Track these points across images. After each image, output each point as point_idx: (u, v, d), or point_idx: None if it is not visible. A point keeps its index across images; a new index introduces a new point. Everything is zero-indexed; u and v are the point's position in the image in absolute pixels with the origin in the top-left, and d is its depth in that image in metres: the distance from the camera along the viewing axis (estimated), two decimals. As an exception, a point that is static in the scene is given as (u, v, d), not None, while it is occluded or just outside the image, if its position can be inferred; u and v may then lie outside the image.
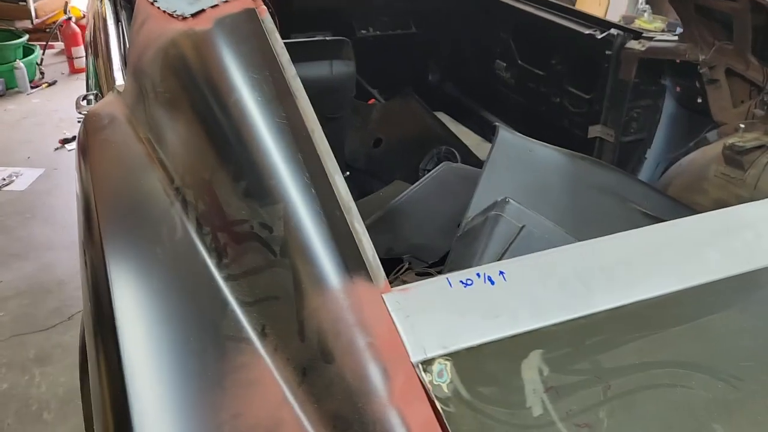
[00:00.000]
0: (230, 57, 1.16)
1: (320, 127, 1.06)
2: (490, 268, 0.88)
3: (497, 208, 1.52)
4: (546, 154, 1.81)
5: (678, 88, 2.40)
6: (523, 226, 1.48)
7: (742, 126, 1.91)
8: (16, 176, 4.18)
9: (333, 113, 2.28)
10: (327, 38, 2.29)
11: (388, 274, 1.82)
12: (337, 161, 2.51)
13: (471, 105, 3.50)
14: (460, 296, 0.84)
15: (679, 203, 1.93)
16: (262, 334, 0.88)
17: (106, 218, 1.16)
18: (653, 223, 1.89)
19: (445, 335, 0.80)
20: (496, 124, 1.84)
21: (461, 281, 0.86)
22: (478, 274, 0.87)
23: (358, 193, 2.74)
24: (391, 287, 0.87)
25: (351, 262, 0.87)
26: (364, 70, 3.45)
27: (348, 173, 2.75)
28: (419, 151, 2.69)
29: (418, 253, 1.88)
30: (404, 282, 1.72)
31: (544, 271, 0.89)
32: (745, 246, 0.96)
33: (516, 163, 1.78)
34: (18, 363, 2.74)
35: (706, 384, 0.79)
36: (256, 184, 1.00)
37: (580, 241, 1.57)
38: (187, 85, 1.22)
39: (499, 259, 1.44)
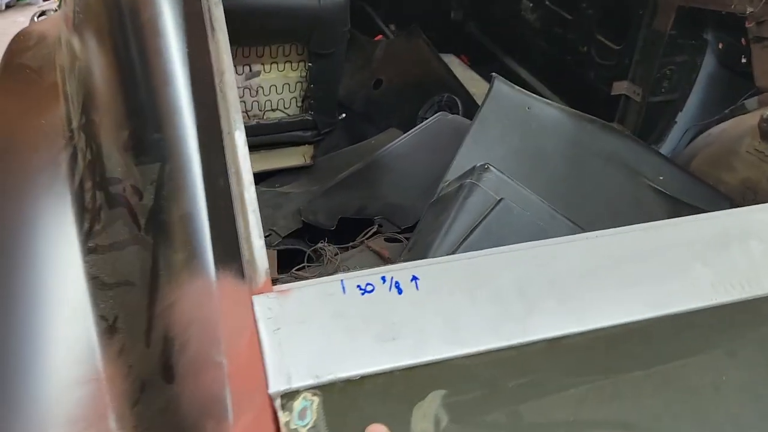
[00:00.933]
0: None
1: (233, 72, 0.85)
2: (401, 271, 0.67)
3: (474, 175, 1.30)
4: (547, 112, 1.56)
5: (720, 45, 2.09)
6: (500, 200, 1.26)
7: (786, 96, 1.62)
8: None
9: (322, 49, 2.03)
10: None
11: (357, 236, 1.66)
12: (329, 103, 2.29)
13: (493, 48, 3.21)
14: (354, 306, 0.65)
15: (700, 181, 1.67)
16: (112, 329, 0.70)
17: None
18: (665, 202, 1.66)
19: (320, 359, 0.61)
20: (493, 74, 1.59)
21: (359, 286, 0.66)
22: (383, 278, 0.67)
23: (351, 138, 2.53)
24: (278, 285, 0.67)
25: (222, 249, 0.68)
26: (380, 3, 3.16)
27: (343, 115, 2.52)
28: (420, 96, 2.44)
29: (392, 215, 1.68)
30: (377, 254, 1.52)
31: (474, 279, 0.69)
32: (748, 263, 0.74)
33: (510, 121, 1.54)
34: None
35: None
36: (137, 135, 0.81)
37: (570, 220, 1.36)
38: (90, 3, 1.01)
39: (466, 237, 1.23)
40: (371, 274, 0.67)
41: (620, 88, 2.36)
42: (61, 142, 0.99)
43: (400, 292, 0.66)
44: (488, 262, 0.70)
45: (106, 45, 0.96)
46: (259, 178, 2.13)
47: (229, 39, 2.13)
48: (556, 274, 0.70)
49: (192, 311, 0.63)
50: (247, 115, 2.22)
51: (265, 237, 1.72)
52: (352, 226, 1.67)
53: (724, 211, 0.80)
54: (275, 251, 1.56)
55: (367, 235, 1.58)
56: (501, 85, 1.56)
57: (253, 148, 2.23)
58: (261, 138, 2.24)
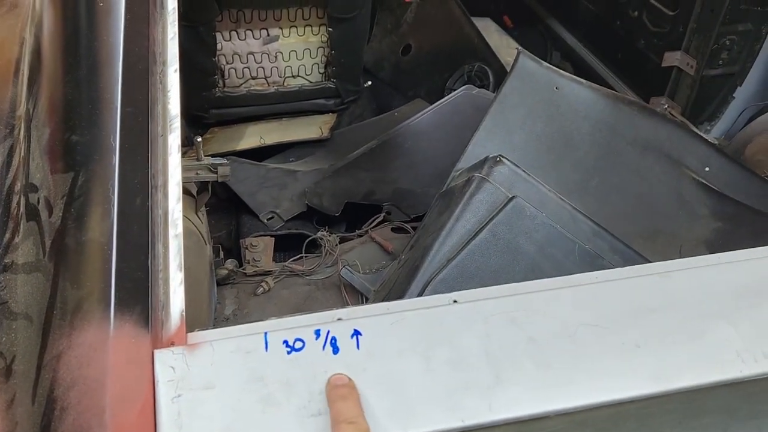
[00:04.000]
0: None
1: (177, 60, 0.72)
2: (341, 323, 0.54)
3: (485, 168, 1.15)
4: (578, 92, 1.38)
5: (791, 12, 1.83)
6: (512, 198, 1.11)
7: None
8: None
9: (342, 12, 1.89)
10: None
11: (364, 222, 1.53)
12: (353, 70, 2.15)
13: (536, 9, 2.97)
14: (276, 369, 0.53)
15: (753, 174, 1.47)
16: (8, 371, 0.60)
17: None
18: (710, 198, 1.46)
19: (225, 440, 0.49)
20: (518, 48, 1.41)
21: (286, 342, 0.53)
22: (317, 333, 0.54)
23: (377, 108, 2.38)
24: (191, 333, 0.56)
25: (127, 286, 0.56)
26: (417, -41, 2.95)
27: (369, 83, 2.37)
28: (450, 65, 2.26)
29: (402, 201, 1.55)
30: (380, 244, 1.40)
31: (431, 335, 0.55)
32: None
33: (536, 102, 1.36)
34: None
35: None
36: (56, 135, 0.69)
37: (594, 222, 1.19)
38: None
39: (470, 241, 1.09)
40: (304, 326, 0.55)
41: (672, 59, 2.12)
42: (2, 132, 0.88)
43: (335, 351, 0.53)
44: (452, 313, 0.56)
45: (53, 12, 0.85)
46: (274, 150, 2.02)
47: (244, 1, 1.99)
48: (536, 331, 0.56)
49: (78, 368, 0.52)
50: (267, 82, 2.12)
51: (268, 219, 1.62)
52: (359, 211, 1.55)
53: (760, 249, 0.63)
54: (272, 239, 1.45)
55: (373, 225, 1.45)
56: (526, 60, 1.38)
57: (272, 116, 2.12)
58: (281, 106, 2.14)
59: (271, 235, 1.47)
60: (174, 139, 0.66)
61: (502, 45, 2.38)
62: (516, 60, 1.38)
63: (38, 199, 0.67)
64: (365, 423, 0.51)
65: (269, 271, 1.34)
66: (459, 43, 2.28)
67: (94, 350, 0.53)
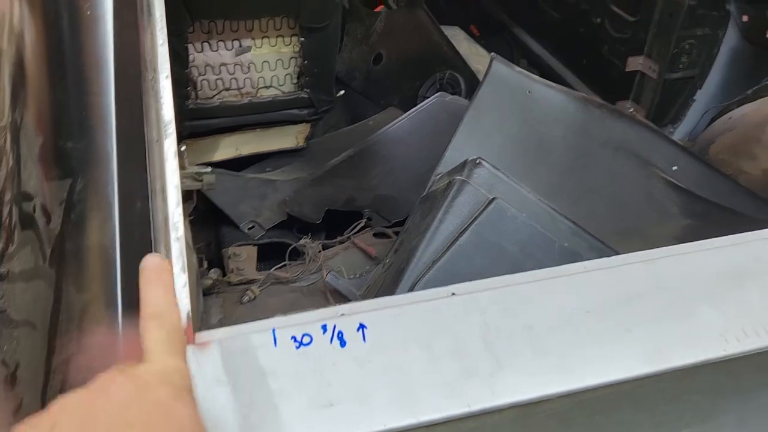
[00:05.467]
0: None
1: (168, 66, 0.73)
2: (346, 317, 0.56)
3: (465, 171, 1.18)
4: (550, 96, 1.42)
5: (745, 17, 1.92)
6: (492, 199, 1.14)
7: (817, 80, 1.46)
8: None
9: (314, 22, 1.90)
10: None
11: (345, 229, 1.55)
12: (326, 80, 2.16)
13: (502, 18, 3.04)
14: (286, 363, 0.54)
15: (718, 172, 1.53)
16: (12, 379, 0.60)
17: None
18: (679, 196, 1.52)
19: (240, 431, 0.50)
20: (492, 54, 1.45)
21: (294, 337, 0.55)
22: (323, 327, 0.55)
23: (350, 117, 2.40)
24: (199, 332, 0.57)
25: (133, 290, 0.57)
26: (382, -32, 2.99)
27: (342, 92, 2.39)
28: (422, 72, 2.30)
29: (382, 207, 1.57)
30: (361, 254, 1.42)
31: (432, 326, 0.57)
32: (766, 304, 0.61)
33: (510, 106, 1.40)
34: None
35: None
36: (50, 142, 0.70)
37: (572, 221, 1.23)
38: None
39: (454, 241, 1.12)
40: (310, 322, 0.56)
41: (635, 63, 2.20)
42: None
43: (343, 344, 0.55)
44: (450, 304, 0.58)
45: (35, 23, 0.85)
46: (250, 161, 2.02)
47: (217, 12, 1.99)
48: (532, 319, 0.59)
49: (89, 369, 0.52)
50: (240, 93, 2.11)
51: (249, 229, 1.63)
52: (340, 219, 1.57)
53: (737, 236, 0.67)
54: (255, 248, 1.45)
55: (355, 231, 1.47)
56: (500, 65, 1.42)
57: (246, 127, 2.11)
58: (254, 117, 2.14)
59: (254, 244, 1.47)
60: (170, 144, 0.66)
61: (472, 53, 2.42)
62: (490, 65, 1.42)
63: (34, 206, 0.68)
64: (173, 315, 0.52)
65: (254, 279, 1.35)
66: (429, 52, 2.32)
67: (105, 352, 0.53)
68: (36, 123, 0.74)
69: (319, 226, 1.60)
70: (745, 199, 1.52)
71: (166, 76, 0.72)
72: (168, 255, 0.60)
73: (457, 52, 2.27)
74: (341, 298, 1.28)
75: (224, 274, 1.38)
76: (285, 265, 1.40)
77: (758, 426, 0.58)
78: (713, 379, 0.58)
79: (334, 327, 0.55)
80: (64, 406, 0.45)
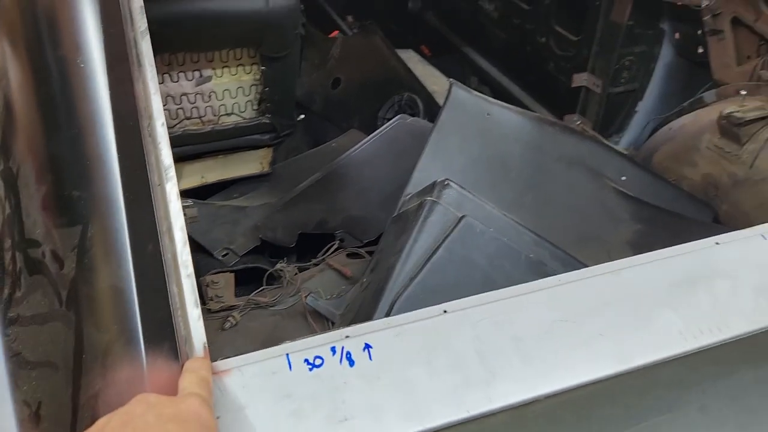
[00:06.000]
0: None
1: (162, 114, 0.78)
2: (353, 339, 0.62)
3: (434, 192, 1.25)
4: (507, 118, 1.52)
5: (677, 35, 2.07)
6: (462, 217, 1.21)
7: (743, 93, 1.60)
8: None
9: (274, 52, 1.95)
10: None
11: (318, 252, 1.60)
12: (286, 105, 2.21)
13: (452, 39, 3.15)
14: (301, 385, 0.59)
15: (662, 179, 1.65)
16: (36, 417, 0.64)
17: None
18: (629, 204, 1.63)
19: (266, 451, 0.56)
20: (450, 80, 1.53)
21: (306, 360, 0.60)
22: (332, 349, 0.61)
23: (311, 140, 2.46)
24: (217, 361, 0.61)
25: (153, 325, 0.61)
26: (336, -6, 3.07)
27: (302, 117, 2.44)
28: (380, 95, 2.37)
29: (354, 228, 1.62)
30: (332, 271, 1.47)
31: (430, 343, 0.64)
32: (714, 305, 0.70)
33: (470, 128, 1.49)
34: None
35: None
36: (55, 192, 0.73)
37: (535, 233, 1.32)
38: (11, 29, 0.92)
39: (429, 259, 1.18)
40: (320, 345, 0.62)
41: (580, 79, 2.33)
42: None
43: (351, 364, 0.61)
44: (444, 321, 0.65)
45: (22, 78, 0.88)
46: (217, 188, 2.05)
47: (176, 44, 2.02)
48: (518, 330, 0.66)
49: (118, 403, 0.57)
50: (201, 121, 2.14)
51: (223, 256, 1.66)
52: (313, 241, 1.62)
53: (688, 245, 0.76)
54: (232, 274, 1.49)
55: (329, 252, 1.52)
56: (459, 91, 1.50)
57: (209, 154, 2.13)
58: (217, 144, 2.17)
59: (230, 271, 1.51)
60: (171, 188, 0.71)
61: (426, 74, 2.52)
62: (449, 91, 1.50)
63: (42, 253, 0.71)
64: (205, 370, 0.58)
65: (234, 305, 1.38)
66: (386, 75, 2.40)
67: (131, 386, 0.58)
68: (35, 174, 0.77)
69: (292, 250, 1.65)
70: (687, 203, 1.64)
71: (162, 124, 0.77)
72: (180, 291, 0.65)
73: (413, 75, 2.35)
74: (321, 318, 1.33)
75: (203, 303, 1.41)
76: (263, 290, 1.44)
77: (717, 412, 0.66)
78: (676, 373, 0.67)
79: (342, 348, 0.61)
80: (108, 419, 0.51)
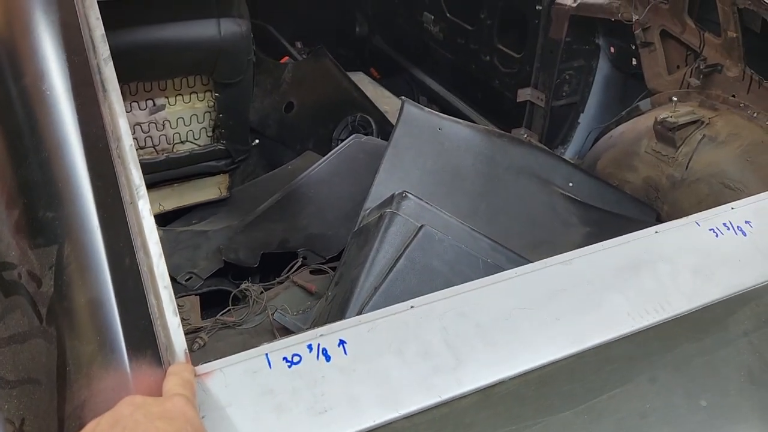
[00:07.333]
0: (20, 28, 0.88)
1: (130, 135, 0.80)
2: (328, 336, 0.66)
3: (393, 204, 1.30)
4: (457, 131, 1.59)
5: (612, 49, 2.20)
6: (421, 227, 1.27)
7: (675, 99, 1.72)
8: None
9: (228, 78, 1.98)
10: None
11: (281, 270, 1.62)
12: (241, 131, 2.23)
13: (400, 60, 3.24)
14: (282, 381, 0.63)
15: (607, 184, 1.75)
16: (19, 433, 0.65)
17: None
18: (577, 208, 1.72)
19: (252, 445, 0.58)
20: (402, 97, 1.60)
21: (285, 358, 0.64)
22: (309, 347, 0.65)
23: (267, 164, 2.48)
24: (199, 365, 0.64)
25: (134, 334, 0.64)
26: (285, 22, 3.13)
27: (257, 141, 2.47)
28: (333, 117, 2.43)
29: (316, 245, 1.66)
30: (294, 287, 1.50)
31: (400, 334, 0.68)
32: (658, 287, 0.77)
33: (423, 142, 1.55)
34: None
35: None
36: (28, 214, 0.75)
37: (490, 239, 1.38)
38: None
39: (392, 268, 1.23)
40: (297, 343, 0.65)
41: (525, 94, 2.44)
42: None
43: (328, 359, 0.64)
44: (412, 316, 0.69)
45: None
46: (175, 215, 2.05)
47: (130, 74, 2.03)
48: (480, 319, 0.71)
49: (105, 409, 0.59)
50: (156, 150, 2.14)
51: (186, 281, 1.67)
52: (276, 261, 1.64)
53: (630, 234, 0.83)
54: (197, 297, 1.50)
55: (292, 270, 1.55)
56: (410, 107, 1.57)
57: (165, 182, 2.13)
58: (172, 172, 2.17)
59: (195, 294, 1.52)
60: (144, 204, 0.74)
61: (378, 95, 2.59)
62: (402, 108, 1.57)
63: (19, 274, 0.73)
64: (188, 373, 0.61)
65: (200, 327, 1.39)
66: (339, 97, 2.45)
67: (117, 392, 0.60)
68: (6, 199, 0.78)
69: (255, 270, 1.67)
70: (631, 206, 1.74)
71: (130, 145, 0.80)
72: (159, 302, 0.67)
73: (365, 96, 2.42)
74: (289, 334, 1.36)
75: (170, 326, 1.41)
76: (229, 310, 1.46)
77: (665, 381, 0.72)
78: (626, 350, 0.73)
79: (319, 345, 0.65)
80: (97, 422, 0.53)
